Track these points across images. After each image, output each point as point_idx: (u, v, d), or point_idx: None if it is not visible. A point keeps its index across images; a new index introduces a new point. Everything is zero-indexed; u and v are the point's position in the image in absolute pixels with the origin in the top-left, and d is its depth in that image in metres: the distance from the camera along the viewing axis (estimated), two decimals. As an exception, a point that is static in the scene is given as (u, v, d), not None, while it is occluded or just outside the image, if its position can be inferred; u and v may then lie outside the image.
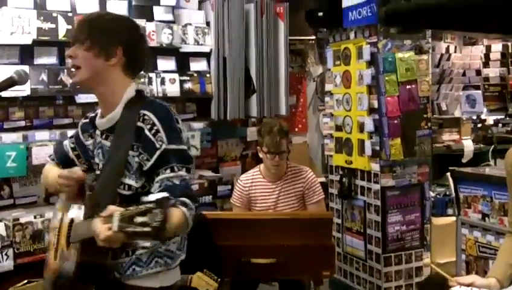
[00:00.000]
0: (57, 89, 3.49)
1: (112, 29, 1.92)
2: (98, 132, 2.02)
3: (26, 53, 3.45)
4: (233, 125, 4.56)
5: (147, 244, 1.83)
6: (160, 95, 3.89)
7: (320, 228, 3.11)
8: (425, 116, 3.84)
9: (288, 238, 3.01)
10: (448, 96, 6.48)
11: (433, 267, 3.31)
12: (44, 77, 3.43)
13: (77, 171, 2.05)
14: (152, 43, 3.78)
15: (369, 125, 3.80)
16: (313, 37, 5.44)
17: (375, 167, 3.81)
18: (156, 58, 4.01)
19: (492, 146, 5.61)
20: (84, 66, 1.89)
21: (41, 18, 3.40)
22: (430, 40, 4.55)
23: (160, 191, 1.78)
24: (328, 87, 4.27)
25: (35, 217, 3.29)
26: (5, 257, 3.16)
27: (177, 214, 1.77)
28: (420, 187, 3.93)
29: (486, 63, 6.77)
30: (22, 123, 3.50)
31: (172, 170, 1.82)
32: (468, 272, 3.34)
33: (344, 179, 4.07)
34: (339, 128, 4.13)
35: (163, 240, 1.83)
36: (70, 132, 3.37)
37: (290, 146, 3.55)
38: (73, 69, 1.95)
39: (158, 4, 3.96)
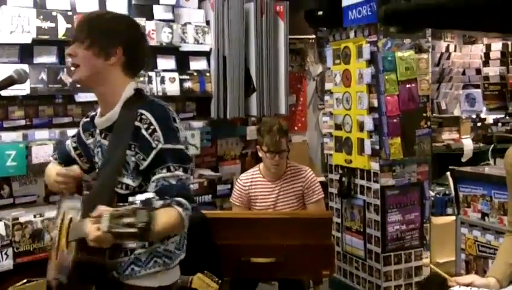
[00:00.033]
0: (57, 88, 3.49)
1: (112, 28, 1.92)
2: (97, 131, 2.02)
3: (25, 52, 3.45)
4: (233, 124, 4.56)
5: (133, 245, 1.83)
6: (160, 94, 3.89)
7: (320, 227, 3.11)
8: (425, 115, 3.84)
9: (288, 237, 3.01)
10: (448, 95, 6.48)
11: (432, 268, 3.31)
12: (44, 76, 3.43)
13: (75, 169, 2.06)
14: (152, 42, 3.77)
15: (369, 124, 3.80)
16: (313, 36, 5.43)
17: (375, 166, 3.81)
18: (156, 57, 4.01)
19: (492, 145, 5.61)
20: (83, 65, 1.90)
21: (41, 17, 3.39)
22: (429, 39, 4.55)
23: (156, 191, 1.78)
24: (328, 86, 4.27)
25: (34, 217, 3.29)
26: (4, 256, 3.15)
27: (171, 214, 1.77)
28: (420, 186, 3.93)
29: (486, 62, 6.78)
30: (22, 122, 3.50)
31: (169, 170, 1.82)
32: (467, 272, 3.34)
33: (344, 178, 4.07)
34: (338, 127, 4.13)
35: (149, 241, 1.82)
36: (70, 131, 3.41)
37: (290, 145, 3.55)
38: (72, 68, 1.95)
39: (158, 3, 3.96)
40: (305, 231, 3.05)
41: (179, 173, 1.83)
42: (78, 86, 3.06)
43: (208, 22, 4.20)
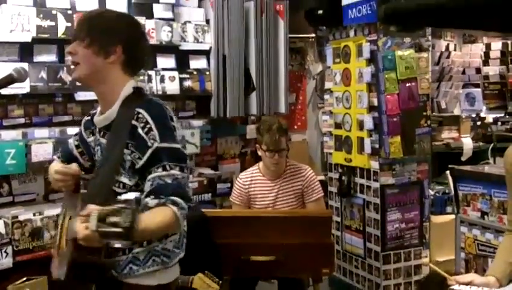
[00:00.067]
0: (57, 86, 3.49)
1: (112, 27, 1.92)
2: (97, 129, 2.02)
3: (25, 51, 3.44)
4: (232, 123, 4.56)
5: (118, 245, 1.83)
6: (160, 92, 3.89)
7: (320, 226, 3.12)
8: (424, 114, 3.84)
9: (288, 236, 3.02)
10: (447, 94, 6.48)
11: (431, 266, 3.31)
12: (43, 74, 3.43)
13: (73, 167, 2.06)
14: (151, 41, 3.76)
15: (369, 123, 3.80)
16: (313, 35, 5.42)
17: (375, 164, 3.81)
18: (156, 56, 4.01)
19: (492, 144, 5.61)
20: (83, 63, 1.90)
21: (41, 16, 3.39)
22: (429, 38, 4.56)
23: (151, 190, 1.78)
24: (328, 85, 4.27)
25: (34, 215, 3.28)
26: (4, 255, 3.15)
27: (166, 213, 1.77)
28: (419, 185, 3.93)
29: (486, 61, 6.78)
30: (22, 120, 3.49)
31: (164, 169, 1.81)
32: (467, 270, 3.35)
33: (343, 177, 4.07)
34: (338, 126, 4.13)
35: (135, 240, 1.81)
36: (70, 130, 3.41)
37: (289, 144, 3.55)
38: (72, 66, 1.95)
39: (158, 2, 3.95)
40: (305, 230, 3.05)
41: (175, 172, 1.82)
42: (78, 84, 3.05)
43: (207, 21, 4.20)
